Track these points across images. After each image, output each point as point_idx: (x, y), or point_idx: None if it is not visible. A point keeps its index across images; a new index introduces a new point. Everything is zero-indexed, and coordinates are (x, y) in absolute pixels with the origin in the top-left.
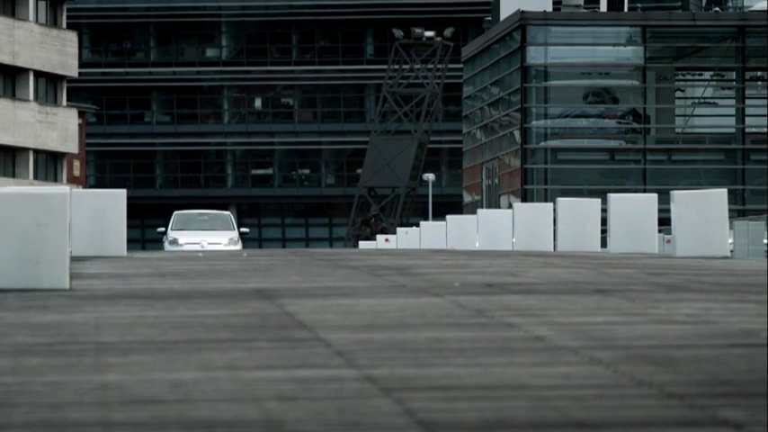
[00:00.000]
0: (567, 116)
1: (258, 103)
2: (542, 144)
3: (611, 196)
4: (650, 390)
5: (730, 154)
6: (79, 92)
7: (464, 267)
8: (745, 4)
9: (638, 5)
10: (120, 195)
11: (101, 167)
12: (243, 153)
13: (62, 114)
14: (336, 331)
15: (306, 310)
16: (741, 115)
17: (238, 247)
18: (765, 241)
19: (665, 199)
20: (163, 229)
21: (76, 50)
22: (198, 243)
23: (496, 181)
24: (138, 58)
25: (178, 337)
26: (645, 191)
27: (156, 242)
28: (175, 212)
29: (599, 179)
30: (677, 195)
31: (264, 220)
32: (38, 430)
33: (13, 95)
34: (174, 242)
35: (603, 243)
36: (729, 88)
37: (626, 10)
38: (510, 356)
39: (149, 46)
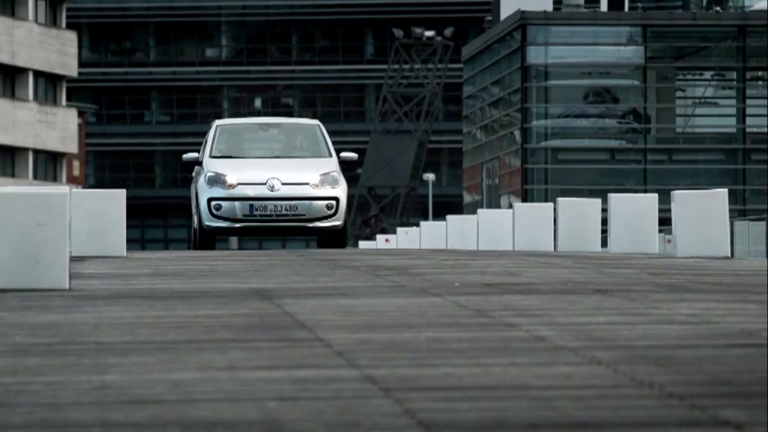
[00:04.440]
0: (567, 116)
1: (258, 102)
2: (543, 144)
3: (612, 196)
4: (651, 390)
5: (731, 154)
6: (79, 92)
7: (464, 267)
8: (745, 3)
9: (639, 5)
10: (119, 195)
11: (100, 167)
12: None
13: (61, 114)
14: (336, 331)
15: (306, 310)
16: (742, 115)
17: (339, 190)
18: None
19: (665, 199)
20: (194, 155)
21: (76, 50)
22: (264, 183)
23: (496, 181)
24: (137, 57)
25: (178, 338)
26: (645, 191)
27: (156, 242)
28: (217, 123)
29: (599, 179)
30: (678, 195)
31: None
32: (37, 430)
33: (12, 95)
34: (218, 180)
35: (604, 243)
36: (730, 88)
37: (626, 9)
38: (510, 357)
39: (149, 46)
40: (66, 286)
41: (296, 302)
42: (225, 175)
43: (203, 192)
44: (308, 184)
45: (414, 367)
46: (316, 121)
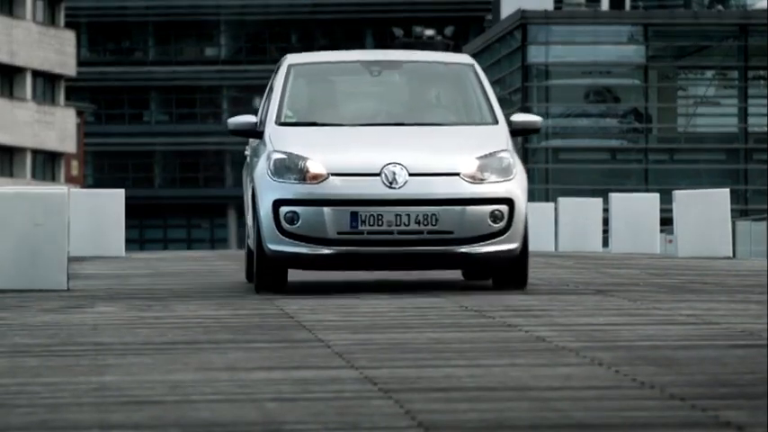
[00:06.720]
0: (568, 115)
1: (258, 102)
2: (543, 143)
3: (613, 196)
4: (652, 391)
5: (732, 153)
6: (77, 91)
7: None
8: (747, 2)
9: (640, 4)
10: (118, 195)
11: (99, 167)
12: (242, 153)
13: (60, 114)
14: (336, 332)
15: (305, 310)
16: (743, 114)
17: (515, 184)
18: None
19: (666, 199)
20: (247, 119)
21: (74, 50)
22: (377, 174)
23: None
24: (136, 57)
25: (177, 338)
26: (647, 190)
27: (155, 242)
28: (290, 60)
29: (600, 179)
30: (679, 195)
31: None
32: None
33: (10, 95)
34: (292, 168)
35: (605, 243)
36: (732, 87)
37: (628, 8)
38: (511, 357)
39: (148, 45)
40: (65, 286)
41: (295, 303)
42: (305, 159)
43: (265, 187)
44: (457, 174)
45: (414, 368)
46: (468, 58)
